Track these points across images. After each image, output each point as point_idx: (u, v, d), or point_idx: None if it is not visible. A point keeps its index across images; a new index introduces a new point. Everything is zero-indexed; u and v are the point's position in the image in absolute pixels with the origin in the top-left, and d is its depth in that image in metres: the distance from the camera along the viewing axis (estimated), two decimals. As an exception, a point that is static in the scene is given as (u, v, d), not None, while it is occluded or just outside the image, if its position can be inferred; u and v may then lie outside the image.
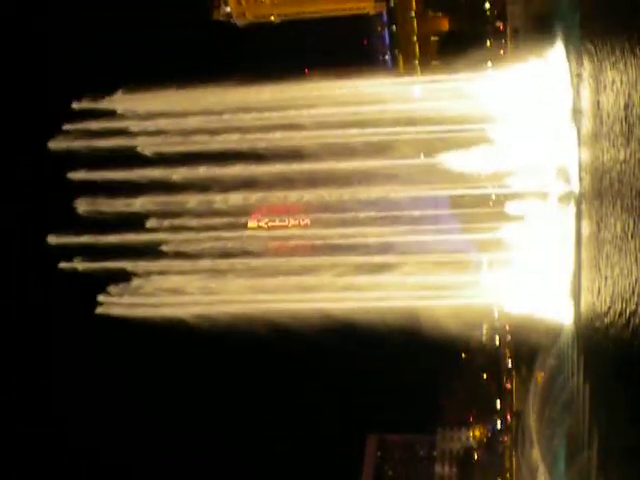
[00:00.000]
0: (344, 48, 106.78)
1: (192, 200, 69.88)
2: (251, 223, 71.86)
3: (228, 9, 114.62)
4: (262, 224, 71.87)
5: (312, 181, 68.86)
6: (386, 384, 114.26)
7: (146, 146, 70.00)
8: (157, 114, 70.55)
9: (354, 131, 67.83)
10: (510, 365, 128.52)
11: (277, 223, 72.16)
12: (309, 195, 69.66)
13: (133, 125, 70.21)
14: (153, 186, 69.62)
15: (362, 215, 68.67)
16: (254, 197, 70.06)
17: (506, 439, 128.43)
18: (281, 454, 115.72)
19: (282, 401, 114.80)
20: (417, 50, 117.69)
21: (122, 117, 70.60)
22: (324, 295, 67.29)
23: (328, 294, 67.24)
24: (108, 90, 69.90)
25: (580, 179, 55.11)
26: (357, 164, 67.81)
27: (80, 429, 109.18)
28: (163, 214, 70.07)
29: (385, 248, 68.68)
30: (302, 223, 71.28)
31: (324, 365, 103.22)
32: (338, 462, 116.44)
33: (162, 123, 70.16)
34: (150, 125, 70.19)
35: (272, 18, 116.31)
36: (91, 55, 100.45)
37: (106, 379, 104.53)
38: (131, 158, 69.38)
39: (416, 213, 68.56)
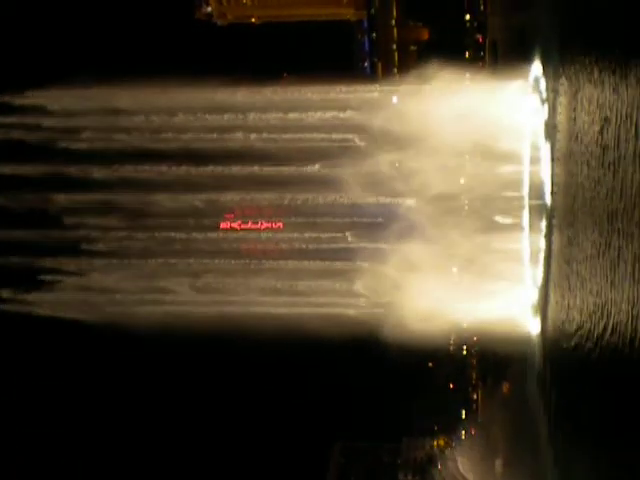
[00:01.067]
0: (324, 53, 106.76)
1: (123, 199, 68.74)
2: (224, 224, 71.64)
3: (209, 9, 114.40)
4: (235, 225, 71.69)
5: (262, 184, 68.18)
6: (352, 391, 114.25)
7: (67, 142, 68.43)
8: (84, 111, 68.99)
9: (321, 135, 67.69)
10: (476, 375, 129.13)
11: (249, 225, 72.03)
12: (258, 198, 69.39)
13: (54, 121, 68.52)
14: (74, 183, 68.26)
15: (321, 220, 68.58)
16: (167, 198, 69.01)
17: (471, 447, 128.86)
18: (245, 461, 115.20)
19: (245, 408, 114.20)
20: (396, 58, 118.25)
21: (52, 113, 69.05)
22: (286, 300, 66.91)
23: (290, 298, 66.90)
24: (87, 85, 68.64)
25: (553, 194, 55.48)
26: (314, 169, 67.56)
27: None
28: (82, 211, 68.67)
29: (352, 254, 68.66)
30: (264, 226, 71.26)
31: (289, 371, 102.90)
32: (302, 468, 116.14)
33: (86, 120, 68.47)
34: (67, 122, 68.19)
35: (253, 20, 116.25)
36: (74, 50, 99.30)
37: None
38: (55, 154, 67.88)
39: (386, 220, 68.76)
